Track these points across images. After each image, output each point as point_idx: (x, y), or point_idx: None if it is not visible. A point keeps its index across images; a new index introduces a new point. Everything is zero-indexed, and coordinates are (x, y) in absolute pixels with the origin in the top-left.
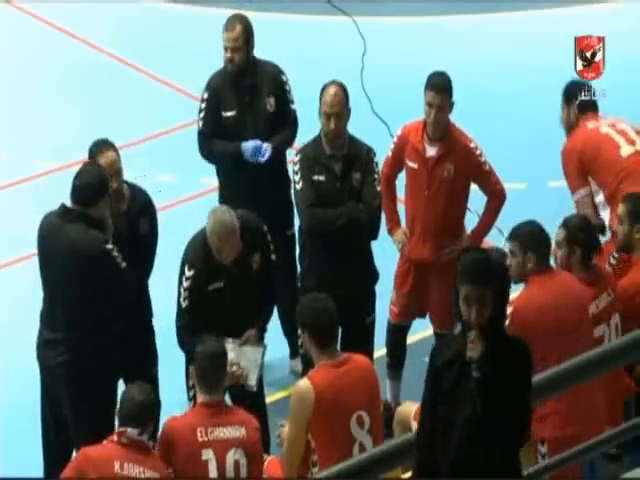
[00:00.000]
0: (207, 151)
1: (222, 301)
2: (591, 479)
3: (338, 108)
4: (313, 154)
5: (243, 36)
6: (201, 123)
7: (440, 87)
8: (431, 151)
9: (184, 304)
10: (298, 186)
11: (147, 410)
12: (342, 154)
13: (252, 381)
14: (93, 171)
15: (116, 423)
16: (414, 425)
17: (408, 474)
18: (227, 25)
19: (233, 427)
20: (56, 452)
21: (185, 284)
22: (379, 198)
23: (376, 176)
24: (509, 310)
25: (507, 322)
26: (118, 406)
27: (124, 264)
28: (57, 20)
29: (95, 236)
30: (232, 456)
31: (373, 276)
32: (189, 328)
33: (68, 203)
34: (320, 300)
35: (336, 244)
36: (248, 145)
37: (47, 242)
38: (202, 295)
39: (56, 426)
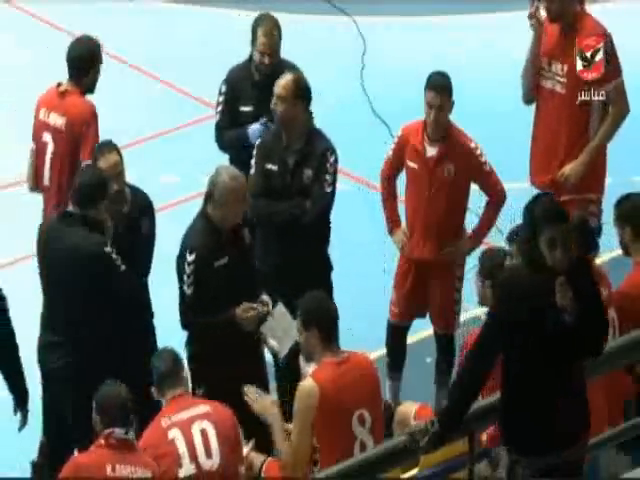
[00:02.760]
0: (222, 143)
1: (230, 277)
2: (591, 479)
3: (284, 92)
4: (271, 143)
5: (279, 41)
6: (218, 116)
7: (440, 87)
8: (431, 151)
9: (189, 291)
10: (251, 171)
11: (127, 406)
12: (297, 148)
13: (286, 350)
14: (93, 173)
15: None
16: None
17: (408, 474)
18: (265, 26)
19: (197, 407)
20: (57, 454)
21: (188, 270)
22: (327, 199)
23: (328, 177)
24: None
25: None
26: (99, 410)
27: (123, 266)
28: (57, 20)
29: (95, 239)
30: (198, 427)
31: (323, 263)
32: (198, 309)
33: (68, 205)
34: (323, 297)
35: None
36: (254, 127)
37: (47, 246)
38: (210, 274)
39: (57, 428)
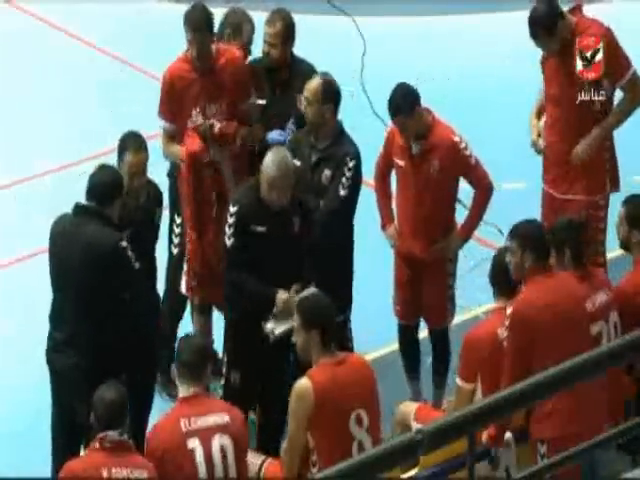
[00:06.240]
0: None
1: (268, 249)
2: (591, 479)
3: (311, 96)
4: (300, 139)
5: (283, 33)
6: None
7: (393, 112)
8: (416, 148)
9: (229, 242)
10: None
11: (122, 407)
12: (321, 147)
13: (277, 330)
14: (109, 171)
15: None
16: (414, 425)
17: (408, 474)
18: (269, 20)
19: (218, 415)
20: (66, 456)
21: (230, 220)
22: (339, 201)
23: (344, 180)
24: (508, 311)
25: (507, 322)
26: (95, 412)
27: (137, 264)
28: (57, 20)
29: (110, 234)
30: (218, 442)
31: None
32: (237, 264)
33: (83, 202)
34: (325, 299)
35: None
36: (273, 134)
37: (62, 242)
38: (247, 235)
39: (66, 429)
